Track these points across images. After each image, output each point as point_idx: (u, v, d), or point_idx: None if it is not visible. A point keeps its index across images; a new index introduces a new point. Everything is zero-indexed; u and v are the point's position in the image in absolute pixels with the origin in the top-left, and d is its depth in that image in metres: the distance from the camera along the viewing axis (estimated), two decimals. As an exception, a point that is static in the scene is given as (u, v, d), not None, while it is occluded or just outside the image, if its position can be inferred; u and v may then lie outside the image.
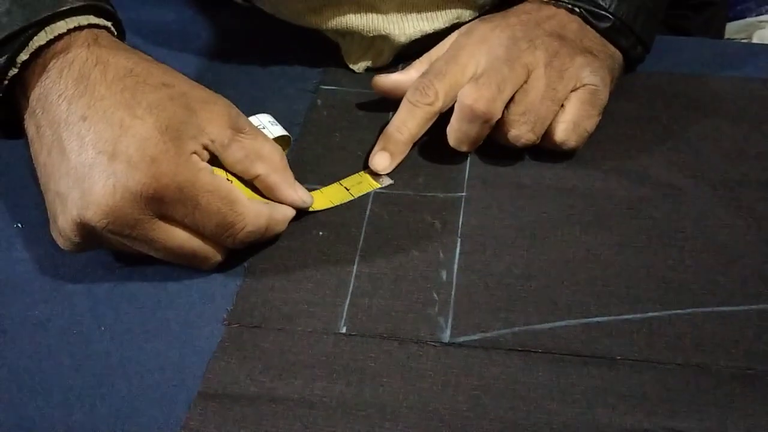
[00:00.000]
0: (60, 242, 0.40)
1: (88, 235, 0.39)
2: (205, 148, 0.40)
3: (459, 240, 0.44)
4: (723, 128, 0.52)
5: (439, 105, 0.48)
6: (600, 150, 0.50)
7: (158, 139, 0.38)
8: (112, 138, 0.38)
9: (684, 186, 0.47)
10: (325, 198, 0.46)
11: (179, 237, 0.40)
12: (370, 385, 0.37)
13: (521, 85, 0.47)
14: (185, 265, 0.41)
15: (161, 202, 0.38)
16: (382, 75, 0.52)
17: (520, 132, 0.47)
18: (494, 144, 0.49)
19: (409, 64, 0.52)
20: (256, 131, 0.43)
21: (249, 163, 0.41)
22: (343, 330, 0.40)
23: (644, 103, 0.54)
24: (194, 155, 0.39)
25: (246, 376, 0.38)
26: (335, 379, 0.37)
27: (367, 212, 0.46)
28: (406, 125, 0.48)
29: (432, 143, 0.50)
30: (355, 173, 0.49)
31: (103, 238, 0.39)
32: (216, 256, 0.41)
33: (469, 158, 0.50)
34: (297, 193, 0.43)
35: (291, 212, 0.43)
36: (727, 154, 0.50)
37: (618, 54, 0.52)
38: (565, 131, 0.47)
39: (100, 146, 0.38)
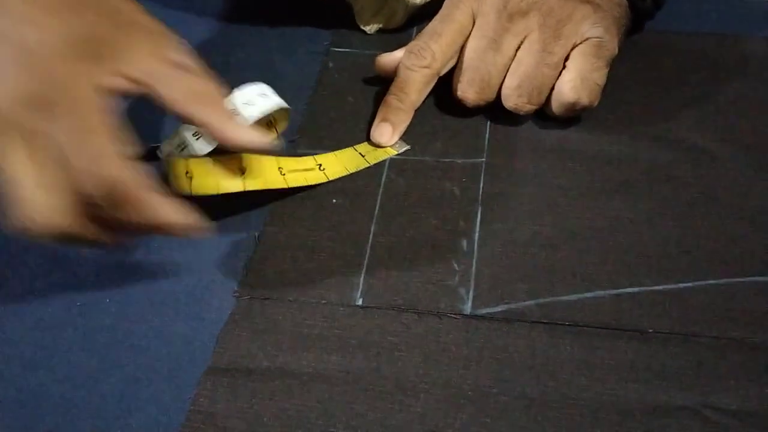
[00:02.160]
0: None
1: None
2: (125, 77, 0.34)
3: (480, 207, 0.43)
4: (753, 90, 0.49)
5: (436, 66, 0.46)
6: (626, 113, 0.48)
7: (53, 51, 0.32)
8: None
9: (715, 150, 0.45)
10: (340, 164, 0.45)
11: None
12: (388, 360, 0.36)
13: (515, 52, 0.45)
14: None
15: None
16: (384, 54, 0.50)
17: (517, 104, 0.45)
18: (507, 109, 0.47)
19: (424, 26, 0.50)
20: (198, 68, 0.37)
21: (190, 104, 0.36)
22: (359, 302, 0.38)
23: (671, 65, 0.52)
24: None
25: (258, 350, 0.36)
26: (351, 354, 0.36)
27: (383, 179, 0.45)
28: (404, 92, 0.46)
29: (449, 106, 0.48)
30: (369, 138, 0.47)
31: None
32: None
33: (489, 122, 0.48)
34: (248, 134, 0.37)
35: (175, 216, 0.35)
36: (758, 117, 0.47)
37: (625, 2, 0.49)
38: (573, 89, 0.45)
39: None
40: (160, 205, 0.34)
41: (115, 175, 0.32)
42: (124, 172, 0.33)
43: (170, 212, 0.34)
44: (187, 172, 0.39)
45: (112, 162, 0.32)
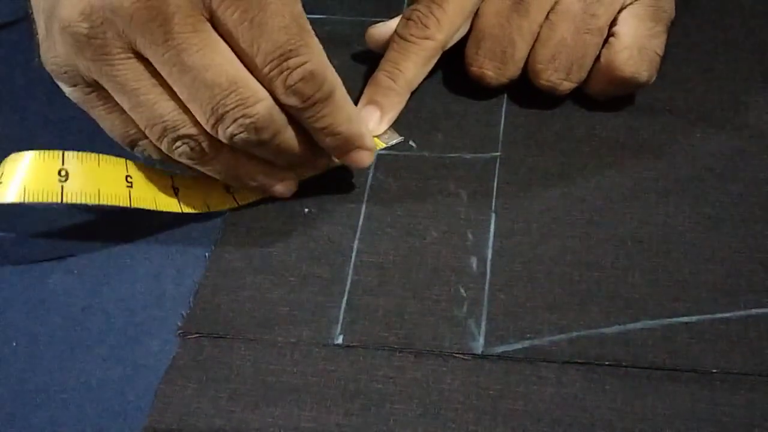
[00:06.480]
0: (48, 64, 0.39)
1: (75, 45, 0.36)
2: None
3: (493, 215, 0.43)
4: None
5: (440, 38, 0.47)
6: (681, 92, 0.49)
7: None
8: None
9: (796, 138, 0.46)
10: (312, 164, 0.45)
11: (221, 56, 0.37)
12: (377, 415, 0.36)
13: (546, 15, 0.46)
14: (203, 106, 0.37)
15: None
16: (377, 24, 0.50)
17: (552, 81, 0.46)
18: (537, 87, 0.47)
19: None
20: None
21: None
22: (339, 340, 0.39)
23: (738, 29, 0.52)
24: None
25: (208, 405, 0.36)
26: (330, 408, 0.36)
27: (369, 181, 0.45)
28: (398, 68, 0.47)
29: (454, 86, 0.49)
30: (351, 129, 0.47)
31: (89, 58, 0.37)
32: (260, 94, 0.38)
33: (504, 106, 0.48)
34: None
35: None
36: None
37: None
38: (629, 61, 0.45)
39: None
40: (355, 111, 0.41)
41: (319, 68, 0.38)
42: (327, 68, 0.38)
43: (363, 124, 0.42)
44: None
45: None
